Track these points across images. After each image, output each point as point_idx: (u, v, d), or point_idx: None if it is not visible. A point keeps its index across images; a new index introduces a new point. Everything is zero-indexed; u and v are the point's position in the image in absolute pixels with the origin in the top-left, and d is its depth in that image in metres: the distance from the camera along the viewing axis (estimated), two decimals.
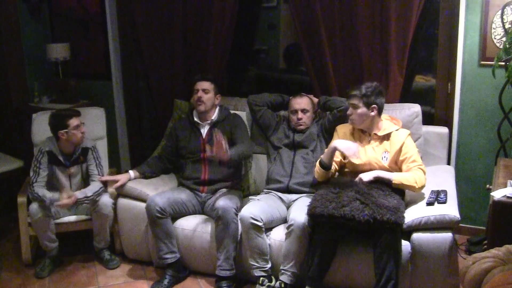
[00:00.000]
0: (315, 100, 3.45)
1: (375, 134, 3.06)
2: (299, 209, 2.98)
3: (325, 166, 3.00)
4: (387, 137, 3.05)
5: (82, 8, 4.51)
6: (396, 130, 3.06)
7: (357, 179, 2.95)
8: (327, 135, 3.32)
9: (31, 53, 4.53)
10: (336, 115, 3.27)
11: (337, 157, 3.07)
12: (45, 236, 3.30)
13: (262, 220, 2.97)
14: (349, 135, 3.12)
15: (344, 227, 2.79)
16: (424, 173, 2.92)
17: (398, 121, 3.16)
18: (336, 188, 2.90)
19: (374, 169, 2.99)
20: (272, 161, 3.39)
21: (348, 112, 3.05)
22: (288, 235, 2.93)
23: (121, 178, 3.36)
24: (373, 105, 3.00)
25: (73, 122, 3.29)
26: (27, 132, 3.69)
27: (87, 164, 3.43)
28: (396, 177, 2.91)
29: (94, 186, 3.34)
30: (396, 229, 2.71)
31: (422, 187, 2.91)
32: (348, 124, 3.14)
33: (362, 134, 3.10)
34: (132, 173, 3.40)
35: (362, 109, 3.00)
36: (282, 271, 2.97)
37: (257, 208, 3.04)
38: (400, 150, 2.99)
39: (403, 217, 2.75)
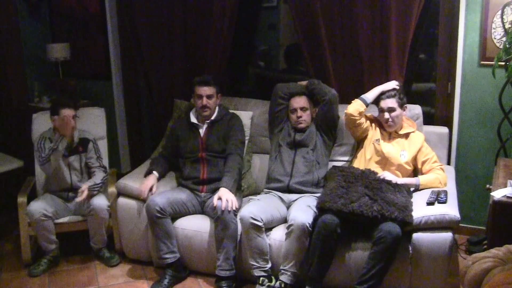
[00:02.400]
0: (303, 83, 3.46)
1: (395, 132, 3.16)
2: (299, 209, 2.98)
3: (366, 102, 3.14)
4: (405, 136, 3.16)
5: (82, 8, 4.51)
6: (413, 132, 3.18)
7: (380, 176, 3.01)
8: (323, 132, 3.35)
9: (31, 53, 4.54)
10: (323, 108, 3.32)
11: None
12: (44, 237, 3.31)
13: (262, 220, 2.97)
14: (375, 121, 3.23)
15: (350, 222, 2.82)
16: (444, 171, 3.11)
17: (413, 124, 3.25)
18: (346, 181, 2.94)
19: (392, 165, 3.10)
20: (273, 160, 3.40)
21: (385, 117, 3.11)
22: (288, 235, 2.93)
23: (151, 181, 3.31)
24: (405, 105, 3.16)
25: (64, 112, 3.30)
26: (27, 132, 3.69)
27: (87, 156, 3.46)
28: (423, 182, 3.05)
29: (99, 175, 3.41)
30: (399, 236, 2.71)
31: (445, 184, 3.07)
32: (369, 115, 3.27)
33: (383, 130, 3.19)
34: (155, 173, 3.38)
35: (398, 111, 3.12)
36: (282, 271, 2.97)
37: (257, 208, 3.03)
38: (420, 151, 3.12)
39: (411, 216, 2.77)
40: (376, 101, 3.19)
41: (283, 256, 2.97)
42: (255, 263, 3.02)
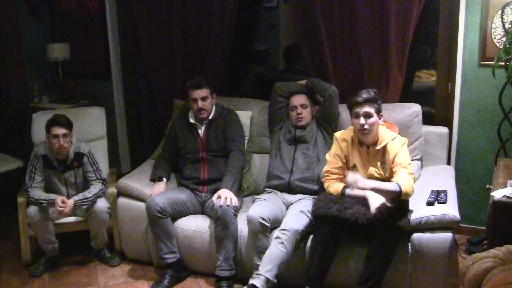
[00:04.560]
0: (303, 82, 3.46)
1: (373, 147, 2.89)
2: (292, 216, 2.99)
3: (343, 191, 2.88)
4: (383, 148, 2.89)
5: (82, 8, 4.51)
6: (393, 139, 2.89)
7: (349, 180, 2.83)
8: (323, 128, 3.35)
9: (31, 53, 4.54)
10: (324, 105, 3.32)
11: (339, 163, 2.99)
12: (44, 238, 3.30)
13: (270, 220, 2.97)
14: (350, 145, 2.97)
15: (345, 227, 2.80)
16: (413, 180, 2.78)
17: (395, 127, 3.12)
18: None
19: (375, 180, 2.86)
20: (274, 158, 3.39)
21: (361, 122, 2.80)
22: (276, 239, 2.90)
23: (162, 188, 3.29)
24: (381, 112, 2.89)
25: (54, 130, 3.21)
26: (27, 132, 3.69)
27: (84, 170, 3.38)
28: (403, 186, 2.69)
29: (95, 189, 3.32)
30: (396, 233, 2.71)
31: (412, 191, 2.75)
32: (347, 132, 3.00)
33: (360, 146, 2.94)
34: (164, 179, 3.37)
35: (375, 118, 2.83)
36: (255, 275, 2.88)
37: (265, 208, 3.03)
38: (393, 160, 2.84)
39: (409, 222, 2.75)
40: (350, 106, 2.89)
41: (263, 260, 2.89)
42: (260, 263, 3.00)
